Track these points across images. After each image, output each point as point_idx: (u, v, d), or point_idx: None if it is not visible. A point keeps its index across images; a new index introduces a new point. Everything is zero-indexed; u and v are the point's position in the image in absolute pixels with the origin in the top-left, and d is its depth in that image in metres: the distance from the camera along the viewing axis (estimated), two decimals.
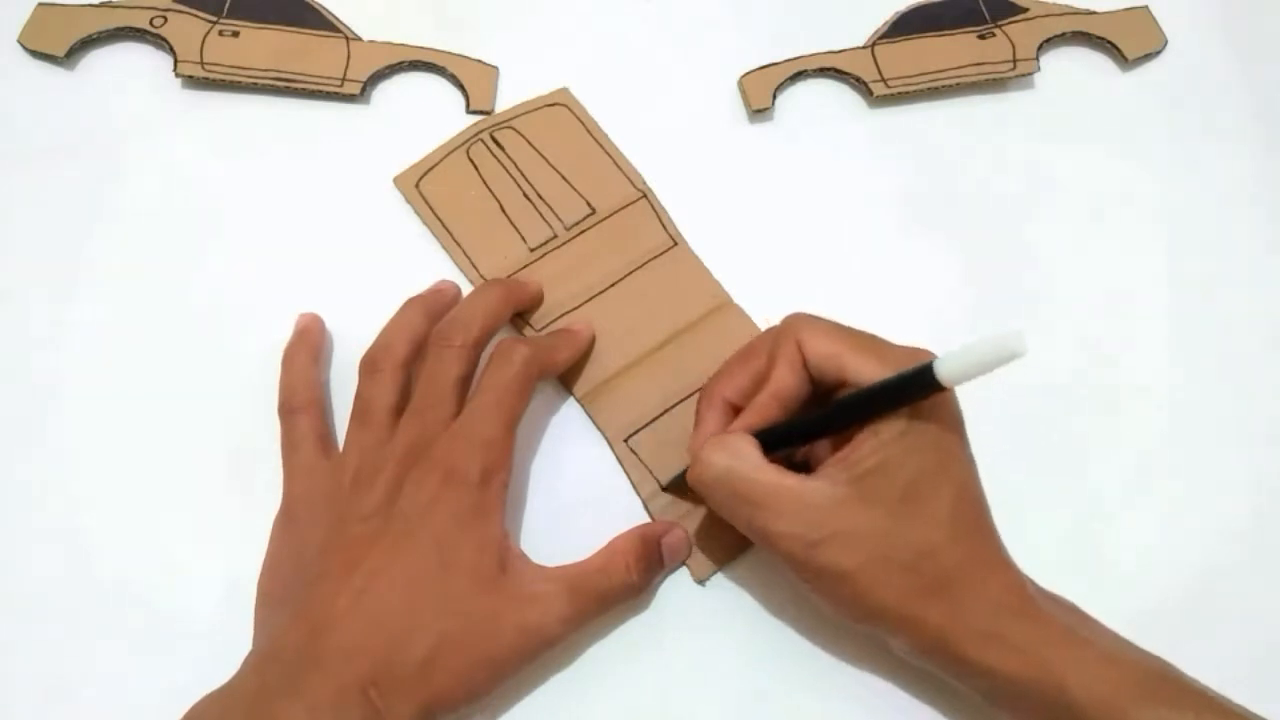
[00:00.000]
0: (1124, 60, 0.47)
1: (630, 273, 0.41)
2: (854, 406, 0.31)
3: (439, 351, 0.35)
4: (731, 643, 0.35)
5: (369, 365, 0.36)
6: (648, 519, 0.37)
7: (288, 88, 0.44)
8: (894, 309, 0.41)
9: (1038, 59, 0.46)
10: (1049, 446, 0.39)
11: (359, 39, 0.45)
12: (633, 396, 0.39)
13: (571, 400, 0.39)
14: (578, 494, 0.38)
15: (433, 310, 0.37)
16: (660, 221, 0.42)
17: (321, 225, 0.42)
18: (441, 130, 0.44)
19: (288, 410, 0.37)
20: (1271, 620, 0.37)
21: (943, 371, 0.27)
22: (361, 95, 0.44)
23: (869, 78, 0.45)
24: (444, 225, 0.42)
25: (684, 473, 0.34)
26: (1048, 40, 0.47)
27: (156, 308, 0.40)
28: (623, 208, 0.42)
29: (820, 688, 0.35)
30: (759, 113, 0.45)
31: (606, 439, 0.38)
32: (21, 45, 0.44)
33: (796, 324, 0.33)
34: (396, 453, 0.33)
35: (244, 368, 0.39)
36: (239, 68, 0.44)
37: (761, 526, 0.31)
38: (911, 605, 0.30)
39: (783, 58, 0.46)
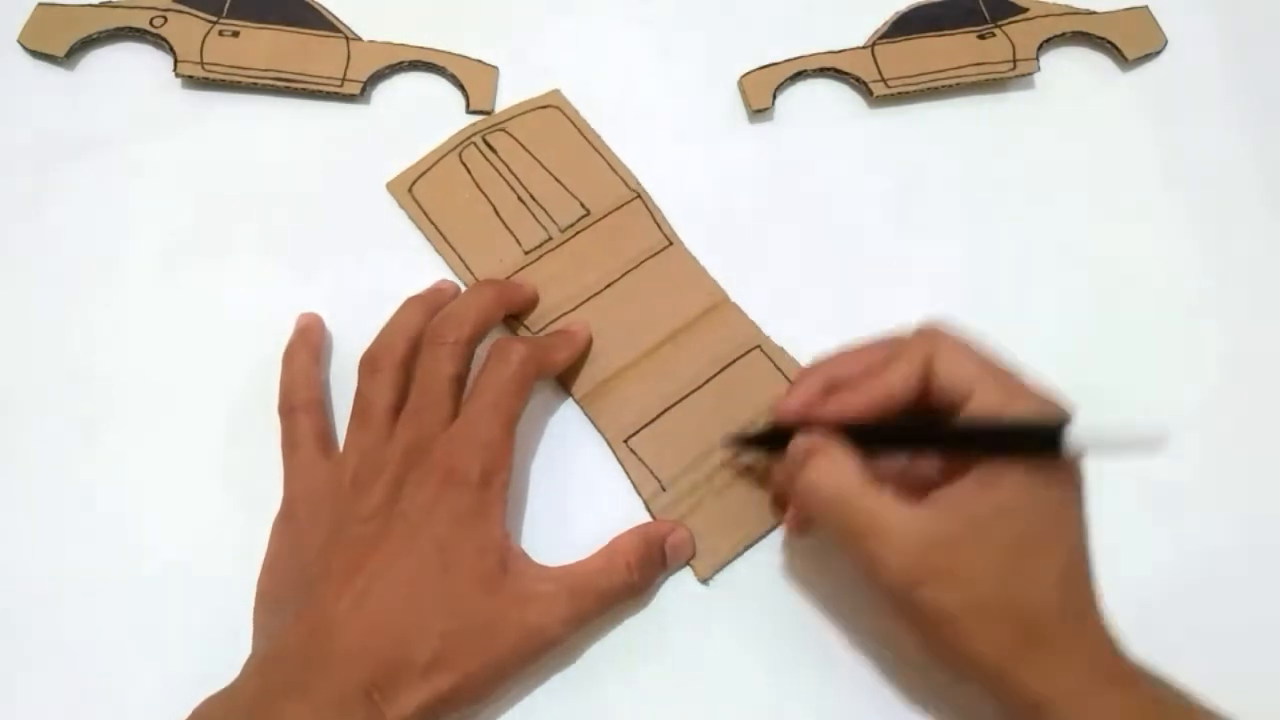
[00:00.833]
0: (1124, 60, 0.47)
1: (626, 273, 0.41)
2: (971, 437, 0.30)
3: (433, 350, 0.35)
4: (734, 642, 0.35)
5: (369, 365, 0.36)
6: (649, 519, 0.37)
7: (288, 88, 0.44)
8: (893, 309, 0.41)
9: (1038, 59, 0.46)
10: None
11: (359, 39, 0.45)
12: (632, 397, 0.39)
13: (571, 401, 0.39)
14: (578, 494, 0.38)
15: (432, 310, 0.37)
16: (655, 221, 0.42)
17: (322, 225, 0.42)
18: (441, 130, 0.44)
19: (288, 409, 0.37)
20: (1272, 620, 0.37)
21: (1073, 437, 0.27)
22: (361, 95, 0.44)
23: (869, 78, 0.45)
24: (438, 230, 0.42)
25: (758, 433, 0.35)
26: (1048, 40, 0.47)
27: (156, 307, 0.40)
28: (617, 208, 0.43)
29: (823, 688, 0.35)
30: (759, 113, 0.45)
31: (606, 440, 0.38)
32: (21, 45, 0.44)
33: (935, 333, 0.31)
34: (396, 454, 0.33)
35: (243, 366, 0.39)
36: (239, 68, 0.44)
37: (865, 553, 0.30)
38: (1012, 663, 0.29)
39: (783, 58, 0.46)
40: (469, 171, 0.43)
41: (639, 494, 0.37)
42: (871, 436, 0.31)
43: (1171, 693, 0.30)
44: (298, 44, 0.45)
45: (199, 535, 0.36)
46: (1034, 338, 0.36)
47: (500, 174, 0.43)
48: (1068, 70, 0.47)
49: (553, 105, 0.45)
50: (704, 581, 0.36)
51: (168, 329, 0.40)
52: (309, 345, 0.38)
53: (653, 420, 0.38)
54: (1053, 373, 0.32)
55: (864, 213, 0.44)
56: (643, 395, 0.39)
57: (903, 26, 0.47)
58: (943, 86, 0.45)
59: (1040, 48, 0.47)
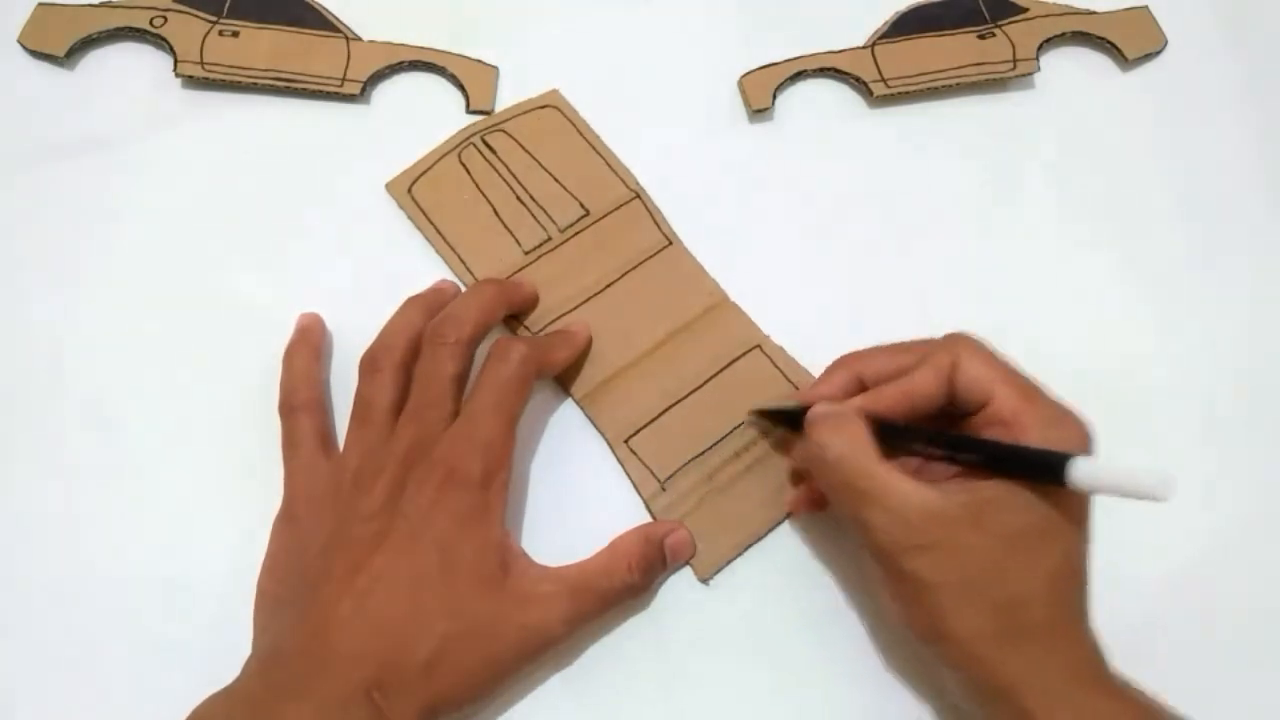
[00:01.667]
0: (1124, 60, 0.47)
1: (626, 273, 0.41)
2: (984, 449, 0.30)
3: (433, 349, 0.35)
4: (734, 641, 0.35)
5: (369, 365, 0.36)
6: (649, 519, 0.37)
7: (288, 88, 0.44)
8: (893, 309, 0.41)
9: (1038, 59, 0.46)
10: None
11: (359, 39, 0.45)
12: (632, 397, 0.39)
13: (571, 401, 0.39)
14: (578, 494, 0.38)
15: (432, 310, 0.37)
16: (654, 221, 0.42)
17: (322, 224, 0.42)
18: (441, 130, 0.44)
19: (288, 409, 0.37)
20: (1271, 620, 0.37)
21: (1075, 474, 0.27)
22: (361, 95, 0.44)
23: (869, 78, 0.45)
24: (438, 230, 0.42)
25: (784, 409, 0.35)
26: (1048, 40, 0.47)
27: (156, 307, 0.40)
28: (616, 208, 0.43)
29: (824, 687, 0.35)
30: (759, 113, 0.45)
31: (606, 440, 0.38)
32: (21, 45, 0.44)
33: (960, 339, 0.32)
34: (397, 454, 0.33)
35: (244, 366, 0.39)
36: (239, 68, 0.44)
37: (864, 516, 0.30)
38: (987, 646, 0.29)
39: (783, 58, 0.46)
40: (468, 172, 0.43)
41: (639, 494, 0.37)
42: (891, 434, 0.32)
43: (1163, 709, 0.30)
44: (298, 44, 0.45)
45: (199, 535, 0.36)
46: (1034, 337, 0.36)
47: (500, 174, 0.43)
48: (1068, 70, 0.47)
49: (552, 105, 0.45)
50: (704, 581, 0.36)
51: (168, 329, 0.40)
52: (309, 345, 0.38)
53: (653, 420, 0.38)
54: (1053, 372, 0.32)
55: (864, 213, 0.44)
56: (643, 395, 0.39)
57: (903, 26, 0.47)
58: (943, 86, 0.45)
59: (1040, 48, 0.47)
